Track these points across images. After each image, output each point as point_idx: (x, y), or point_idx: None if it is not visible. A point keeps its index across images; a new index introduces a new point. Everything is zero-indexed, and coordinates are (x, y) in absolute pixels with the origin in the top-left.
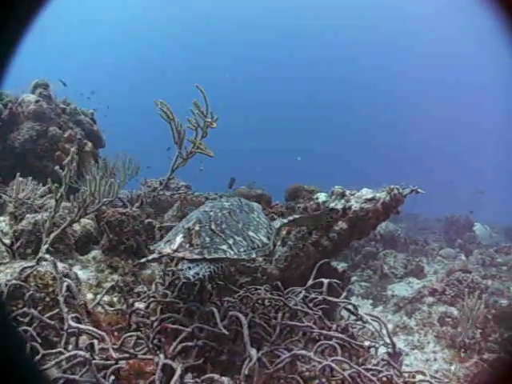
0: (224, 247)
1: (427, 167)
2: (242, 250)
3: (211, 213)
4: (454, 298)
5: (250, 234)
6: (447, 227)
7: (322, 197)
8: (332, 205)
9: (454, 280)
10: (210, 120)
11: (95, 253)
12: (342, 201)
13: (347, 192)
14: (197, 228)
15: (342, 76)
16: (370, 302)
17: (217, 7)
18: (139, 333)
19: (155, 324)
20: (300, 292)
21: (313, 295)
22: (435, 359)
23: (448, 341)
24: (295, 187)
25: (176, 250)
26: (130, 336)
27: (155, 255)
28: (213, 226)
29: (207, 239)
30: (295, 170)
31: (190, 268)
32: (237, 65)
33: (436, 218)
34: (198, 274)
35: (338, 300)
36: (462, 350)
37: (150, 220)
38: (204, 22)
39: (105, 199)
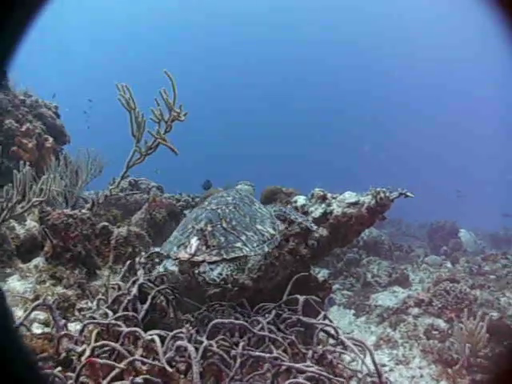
0: (239, 245)
1: (421, 174)
2: (255, 244)
3: (219, 210)
4: (441, 310)
5: (258, 227)
6: (432, 234)
7: (300, 200)
8: (312, 209)
9: (442, 290)
10: (178, 111)
11: (38, 261)
12: (323, 205)
13: (328, 195)
14: (209, 228)
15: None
16: (353, 312)
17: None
18: (56, 370)
19: (85, 355)
20: (271, 310)
21: (286, 314)
22: (421, 375)
23: (435, 355)
24: (272, 189)
25: (194, 254)
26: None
27: (171, 261)
28: (224, 224)
29: (222, 239)
30: (279, 176)
31: (212, 269)
32: (221, 71)
33: (420, 224)
34: (221, 274)
35: (314, 321)
36: (450, 365)
37: (104, 224)
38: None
39: (35, 199)
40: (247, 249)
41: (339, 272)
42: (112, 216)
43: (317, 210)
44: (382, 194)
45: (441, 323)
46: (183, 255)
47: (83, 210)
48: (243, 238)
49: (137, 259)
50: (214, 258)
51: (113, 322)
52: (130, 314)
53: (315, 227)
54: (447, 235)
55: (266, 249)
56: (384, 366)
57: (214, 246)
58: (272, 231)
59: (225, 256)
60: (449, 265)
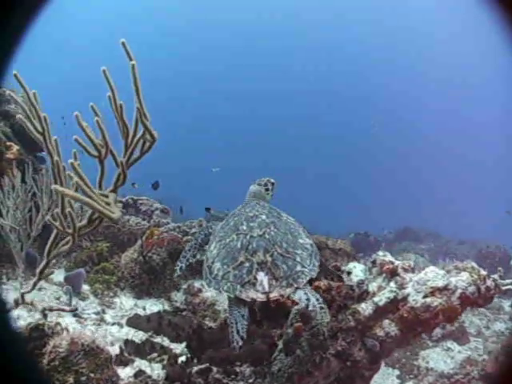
0: (299, 268)
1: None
2: (308, 262)
3: (266, 235)
4: None
5: (300, 241)
6: (480, 260)
7: (357, 272)
8: (373, 287)
9: None
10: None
11: None
12: (392, 284)
13: (400, 267)
14: (269, 258)
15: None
16: (397, 373)
17: None
18: None
19: None
20: None
21: None
22: None
23: None
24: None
25: (269, 291)
26: None
27: (236, 301)
28: (278, 250)
29: (284, 267)
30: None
31: (308, 299)
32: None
33: (459, 240)
34: (314, 295)
35: None
36: None
37: (38, 322)
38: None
39: None
40: (306, 270)
41: None
42: (96, 251)
43: (382, 294)
44: (489, 283)
45: None
46: (257, 295)
47: None
48: (298, 258)
49: None
50: (288, 290)
51: None
52: None
53: None
54: (498, 263)
55: (316, 264)
56: None
57: (281, 278)
58: (309, 241)
59: (295, 285)
60: (507, 308)
